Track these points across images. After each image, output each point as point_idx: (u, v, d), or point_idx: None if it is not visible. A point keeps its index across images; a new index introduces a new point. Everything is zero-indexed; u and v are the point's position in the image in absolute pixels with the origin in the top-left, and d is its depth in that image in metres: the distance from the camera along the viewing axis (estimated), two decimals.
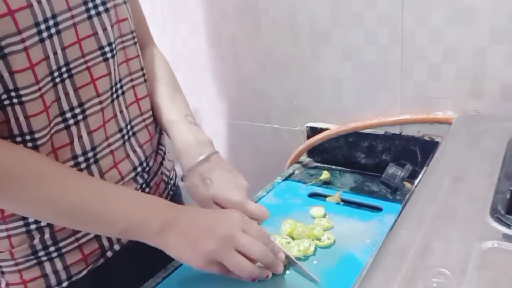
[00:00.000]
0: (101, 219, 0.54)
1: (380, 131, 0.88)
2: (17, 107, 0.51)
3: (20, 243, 0.57)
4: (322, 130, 0.94)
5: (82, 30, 0.55)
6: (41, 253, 0.58)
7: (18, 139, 0.53)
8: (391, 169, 0.81)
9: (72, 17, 0.54)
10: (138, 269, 0.67)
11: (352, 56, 0.86)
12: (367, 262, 0.42)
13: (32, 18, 0.49)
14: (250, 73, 1.02)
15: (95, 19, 0.56)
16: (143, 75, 0.68)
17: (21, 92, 0.51)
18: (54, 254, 0.59)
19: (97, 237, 0.62)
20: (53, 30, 0.51)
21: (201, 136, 0.67)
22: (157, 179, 0.71)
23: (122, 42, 0.63)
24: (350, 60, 0.87)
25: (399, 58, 0.81)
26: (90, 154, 0.59)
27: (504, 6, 0.70)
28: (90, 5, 0.56)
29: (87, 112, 0.57)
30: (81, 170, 0.58)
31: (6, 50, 0.48)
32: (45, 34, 0.51)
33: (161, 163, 0.73)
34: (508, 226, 0.43)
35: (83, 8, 0.55)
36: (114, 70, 0.60)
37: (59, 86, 0.54)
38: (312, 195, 0.84)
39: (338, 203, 0.80)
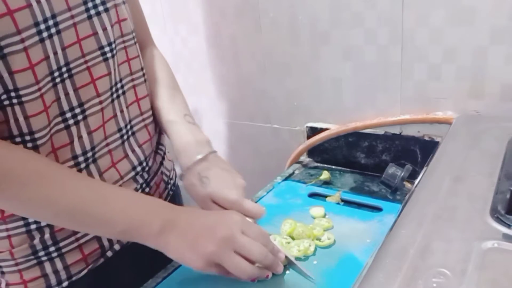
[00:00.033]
0: (100, 220, 0.54)
1: (380, 131, 0.88)
2: (17, 107, 0.51)
3: (20, 243, 0.57)
4: (322, 130, 0.94)
5: (82, 30, 0.55)
6: (41, 253, 0.58)
7: (18, 139, 0.53)
8: (391, 169, 0.81)
9: (72, 17, 0.53)
10: (138, 269, 0.67)
11: (352, 56, 0.86)
12: (367, 262, 0.42)
13: (31, 18, 0.49)
14: (250, 73, 1.02)
15: (95, 19, 0.56)
16: (143, 75, 0.68)
17: (21, 92, 0.50)
18: (54, 254, 0.59)
19: (97, 237, 0.62)
20: (53, 30, 0.51)
21: (200, 136, 0.67)
22: (157, 179, 0.71)
23: (123, 42, 0.63)
24: (350, 60, 0.87)
25: (399, 58, 0.81)
26: (89, 154, 0.59)
27: (504, 6, 0.70)
28: (90, 5, 0.56)
29: (87, 112, 0.57)
30: (80, 170, 0.58)
31: (6, 50, 0.48)
32: (45, 34, 0.51)
33: (161, 163, 0.73)
34: (508, 226, 0.43)
35: (82, 8, 0.55)
36: (114, 70, 0.60)
37: (59, 86, 0.54)
38: (312, 195, 0.84)
39: (338, 203, 0.80)
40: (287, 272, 0.62)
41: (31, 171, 0.51)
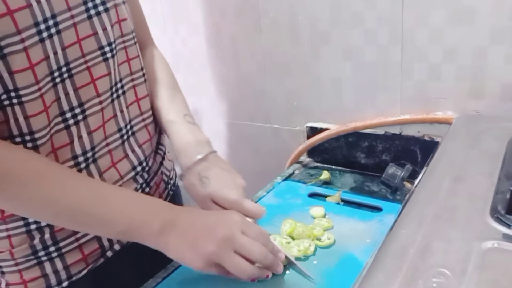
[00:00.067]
0: (100, 220, 0.54)
1: (380, 131, 0.88)
2: (17, 107, 0.51)
3: (20, 243, 0.57)
4: (322, 130, 0.94)
5: (82, 30, 0.55)
6: (41, 253, 0.58)
7: (18, 139, 0.53)
8: (391, 169, 0.81)
9: (72, 17, 0.53)
10: (138, 269, 0.67)
11: (352, 56, 0.86)
12: (367, 262, 0.42)
13: (31, 18, 0.49)
14: (250, 73, 1.02)
15: (95, 19, 0.56)
16: (143, 75, 0.68)
17: (21, 92, 0.50)
18: (54, 254, 0.59)
19: (97, 237, 0.62)
20: (53, 30, 0.51)
21: (200, 136, 0.67)
22: (157, 179, 0.71)
23: (123, 42, 0.63)
24: (350, 60, 0.87)
25: (399, 58, 0.81)
26: (89, 154, 0.59)
27: (504, 6, 0.70)
28: (90, 5, 0.56)
29: (87, 112, 0.57)
30: (80, 170, 0.58)
31: (6, 50, 0.48)
32: (45, 34, 0.51)
33: (161, 163, 0.73)
34: (508, 226, 0.43)
35: (82, 8, 0.55)
36: (114, 70, 0.60)
37: (59, 86, 0.54)
38: (312, 195, 0.84)
39: (338, 203, 0.80)
40: (287, 272, 0.62)
41: (31, 171, 0.51)
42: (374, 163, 0.90)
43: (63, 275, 0.60)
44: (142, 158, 0.66)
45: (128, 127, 0.64)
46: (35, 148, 0.54)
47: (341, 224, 0.72)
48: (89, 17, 0.56)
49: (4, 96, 0.50)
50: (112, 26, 0.59)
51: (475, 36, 0.73)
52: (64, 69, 0.54)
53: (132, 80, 0.65)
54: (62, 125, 0.56)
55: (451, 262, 0.39)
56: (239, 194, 0.63)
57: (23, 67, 0.50)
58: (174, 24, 1.10)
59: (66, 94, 0.55)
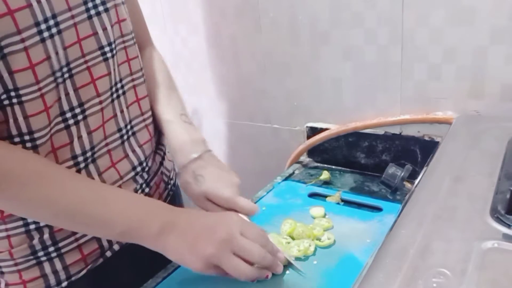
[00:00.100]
0: (100, 221, 0.54)
1: (380, 131, 0.87)
2: (16, 107, 0.51)
3: (19, 243, 0.57)
4: (322, 130, 0.94)
5: (82, 30, 0.55)
6: (41, 253, 0.58)
7: (16, 139, 0.53)
8: (391, 169, 0.81)
9: (73, 17, 0.53)
10: (138, 269, 0.67)
11: (352, 56, 0.86)
12: (367, 262, 0.42)
13: (32, 18, 0.49)
14: (250, 73, 1.02)
15: (95, 19, 0.56)
16: (143, 75, 0.68)
17: (21, 92, 0.50)
18: (54, 254, 0.59)
19: (97, 237, 0.62)
20: (54, 30, 0.51)
21: (195, 135, 0.68)
22: (157, 179, 0.71)
23: (123, 42, 0.63)
24: (350, 60, 0.87)
25: (399, 58, 0.81)
26: (88, 154, 0.59)
27: (504, 6, 0.70)
28: (90, 5, 0.56)
29: (87, 112, 0.57)
30: (79, 170, 0.58)
31: (6, 50, 0.48)
32: (46, 34, 0.51)
33: (161, 163, 0.73)
34: (508, 226, 0.43)
35: (83, 8, 0.55)
36: (114, 70, 0.60)
37: (61, 86, 0.54)
38: (312, 195, 0.84)
39: (338, 203, 0.80)
40: (287, 272, 0.62)
41: (30, 171, 0.51)
42: (374, 163, 0.90)
43: (62, 275, 0.60)
44: (142, 158, 0.66)
45: (128, 127, 0.64)
46: (35, 148, 0.54)
47: (341, 224, 0.72)
48: (89, 17, 0.56)
49: (3, 96, 0.50)
50: (112, 26, 0.59)
51: (475, 36, 0.73)
52: (65, 69, 0.54)
53: (132, 80, 0.65)
54: (62, 125, 0.56)
55: (451, 262, 0.39)
56: (233, 192, 0.64)
57: (23, 66, 0.50)
58: (174, 24, 1.10)
59: (67, 94, 0.55)
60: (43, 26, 0.50)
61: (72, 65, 0.54)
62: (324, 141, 0.94)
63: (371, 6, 0.80)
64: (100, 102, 0.59)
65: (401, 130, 0.86)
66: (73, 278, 0.60)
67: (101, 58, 0.58)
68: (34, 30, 0.49)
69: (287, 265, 0.63)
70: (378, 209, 0.77)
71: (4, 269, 0.59)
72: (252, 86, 1.03)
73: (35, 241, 0.57)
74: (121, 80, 0.62)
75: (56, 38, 0.52)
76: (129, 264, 0.66)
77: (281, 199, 0.83)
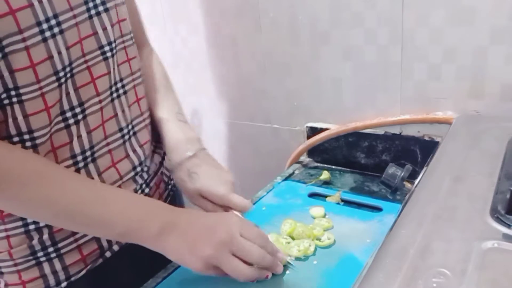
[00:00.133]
0: (99, 221, 0.54)
1: (380, 131, 0.87)
2: (16, 106, 0.51)
3: (19, 244, 0.57)
4: (322, 130, 0.94)
5: (83, 30, 0.55)
6: (40, 254, 0.58)
7: (16, 139, 0.53)
8: (391, 169, 0.81)
9: (74, 16, 0.54)
10: (138, 269, 0.67)
11: (352, 56, 0.86)
12: (367, 262, 0.42)
13: (33, 18, 0.49)
14: (250, 73, 1.02)
15: (95, 18, 0.57)
16: (141, 75, 0.68)
17: (21, 91, 0.50)
18: (53, 255, 0.59)
19: (96, 238, 0.62)
20: (56, 30, 0.51)
21: (190, 134, 0.69)
22: (157, 179, 0.71)
23: (123, 42, 0.63)
24: (350, 60, 0.87)
25: (399, 58, 0.81)
26: (88, 153, 0.59)
27: (504, 6, 0.70)
28: (91, 4, 0.56)
29: (87, 112, 0.57)
30: (79, 169, 0.58)
31: (7, 50, 0.48)
32: (47, 34, 0.51)
33: (161, 163, 0.73)
34: (508, 226, 0.43)
35: (84, 7, 0.55)
36: (114, 69, 0.60)
37: (62, 86, 0.54)
38: (312, 195, 0.84)
39: (338, 203, 0.80)
40: (287, 272, 0.62)
41: (30, 171, 0.51)
42: (374, 163, 0.90)
43: (61, 275, 0.60)
44: (142, 158, 0.66)
45: (130, 127, 0.64)
46: (34, 148, 0.54)
47: (341, 224, 0.72)
48: (90, 17, 0.56)
49: (3, 95, 0.50)
50: (112, 26, 0.59)
51: (475, 36, 0.73)
52: (67, 69, 0.54)
53: (133, 80, 0.65)
54: (62, 125, 0.56)
55: (451, 262, 0.39)
56: (227, 190, 0.65)
57: (24, 66, 0.50)
58: (174, 24, 1.10)
59: (67, 94, 0.55)
60: (44, 26, 0.50)
61: (73, 65, 0.55)
62: (324, 141, 0.94)
63: (371, 6, 0.80)
64: (100, 101, 0.59)
65: (401, 130, 0.85)
66: (72, 279, 0.60)
67: (101, 57, 0.58)
68: (36, 29, 0.49)
69: (287, 265, 0.63)
70: (378, 209, 0.77)
71: (3, 270, 0.59)
72: (252, 86, 1.03)
73: (35, 242, 0.57)
74: (121, 80, 0.62)
75: (59, 37, 0.52)
76: (129, 264, 0.66)
77: (281, 199, 0.83)
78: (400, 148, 0.86)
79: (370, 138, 0.89)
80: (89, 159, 0.59)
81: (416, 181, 0.55)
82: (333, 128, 0.92)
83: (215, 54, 1.06)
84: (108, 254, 0.63)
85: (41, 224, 0.57)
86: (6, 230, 0.57)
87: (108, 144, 0.61)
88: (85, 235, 0.60)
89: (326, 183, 0.88)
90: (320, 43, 0.89)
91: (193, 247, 0.55)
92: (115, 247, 0.64)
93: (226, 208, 0.66)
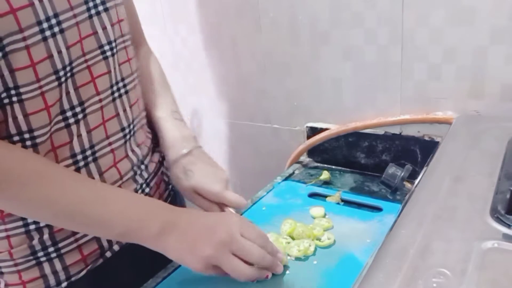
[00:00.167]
0: (99, 221, 0.54)
1: (380, 131, 0.87)
2: (16, 106, 0.51)
3: (19, 244, 0.57)
4: (322, 130, 0.94)
5: (83, 29, 0.55)
6: (40, 254, 0.58)
7: (16, 138, 0.53)
8: (391, 169, 0.81)
9: (75, 16, 0.54)
10: (138, 269, 0.67)
11: (352, 56, 0.86)
12: (367, 262, 0.42)
13: (34, 17, 0.49)
14: (250, 73, 1.02)
15: (95, 18, 0.57)
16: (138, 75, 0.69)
17: (21, 90, 0.51)
18: (53, 255, 0.59)
19: (97, 238, 0.62)
20: (56, 29, 0.51)
21: (186, 132, 0.70)
22: (157, 179, 0.71)
23: (124, 42, 0.63)
24: (350, 60, 0.87)
25: (399, 58, 0.81)
26: (88, 153, 0.59)
27: (504, 6, 0.70)
28: (91, 4, 0.56)
29: (87, 111, 0.58)
30: (79, 168, 0.58)
31: (8, 49, 0.48)
32: (48, 33, 0.51)
33: (161, 163, 0.73)
34: (508, 226, 0.43)
35: (84, 7, 0.55)
36: (114, 68, 0.60)
37: (62, 85, 0.54)
38: (312, 195, 0.84)
39: (338, 203, 0.80)
40: (287, 272, 0.62)
41: (30, 171, 0.51)
42: (374, 163, 0.90)
43: (62, 275, 0.60)
44: (140, 157, 0.66)
45: (131, 126, 0.65)
46: (34, 147, 0.54)
47: (341, 224, 0.72)
48: (90, 17, 0.56)
49: (4, 95, 0.50)
50: (112, 25, 0.59)
51: (475, 36, 0.73)
52: (68, 68, 0.54)
53: (133, 80, 0.66)
54: (62, 124, 0.56)
55: (451, 262, 0.39)
56: (222, 187, 0.66)
57: (24, 65, 0.50)
58: (174, 24, 1.10)
59: (67, 93, 0.55)
60: (45, 25, 0.50)
61: (73, 64, 0.55)
62: (324, 141, 0.94)
63: (371, 6, 0.80)
64: (100, 101, 0.59)
65: (401, 130, 0.85)
66: (73, 279, 0.60)
67: (100, 57, 0.58)
68: (36, 28, 0.50)
69: (287, 265, 0.63)
70: (378, 209, 0.77)
71: (3, 270, 0.59)
72: (252, 86, 1.03)
73: (35, 242, 0.57)
74: (123, 80, 0.63)
75: (59, 37, 0.52)
76: (129, 264, 0.66)
77: (281, 199, 0.83)
78: (400, 148, 0.86)
79: (370, 138, 0.89)
80: (90, 159, 0.59)
81: (416, 181, 0.55)
82: (333, 128, 0.92)
83: (215, 54, 1.06)
84: (108, 254, 0.63)
85: (42, 224, 0.57)
86: (6, 230, 0.57)
87: (110, 143, 0.61)
88: (85, 235, 0.60)
89: (326, 183, 0.88)
90: (320, 43, 0.89)
91: (193, 247, 0.55)
92: (116, 247, 0.64)
93: (221, 205, 0.67)
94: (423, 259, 0.40)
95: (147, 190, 0.67)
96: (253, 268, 0.57)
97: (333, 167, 0.95)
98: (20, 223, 0.56)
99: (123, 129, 0.63)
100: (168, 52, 1.13)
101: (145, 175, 0.67)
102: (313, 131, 0.95)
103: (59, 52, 0.52)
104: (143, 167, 0.67)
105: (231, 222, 0.58)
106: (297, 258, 0.65)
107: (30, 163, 0.52)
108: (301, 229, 0.69)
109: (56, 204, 0.52)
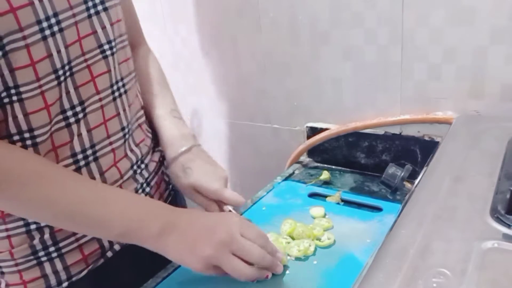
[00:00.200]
0: (100, 222, 0.54)
1: (380, 131, 0.87)
2: (16, 105, 0.51)
3: (20, 243, 0.57)
4: (322, 130, 0.94)
5: (82, 29, 0.55)
6: (41, 253, 0.58)
7: (16, 137, 0.53)
8: (391, 169, 0.81)
9: (74, 15, 0.54)
10: (138, 269, 0.67)
11: (352, 56, 0.86)
12: (367, 262, 0.42)
13: (33, 16, 0.49)
14: (250, 73, 1.02)
15: (94, 18, 0.57)
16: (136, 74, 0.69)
17: (21, 89, 0.51)
18: (54, 255, 0.59)
19: (97, 238, 0.62)
20: (55, 28, 0.52)
21: (185, 130, 0.70)
22: (158, 179, 0.71)
23: (122, 41, 0.63)
24: (350, 60, 0.87)
25: (399, 58, 0.81)
26: (89, 152, 0.59)
27: (504, 6, 0.70)
28: (90, 4, 0.56)
29: (87, 110, 0.58)
30: (80, 168, 0.58)
31: (8, 48, 0.49)
32: (47, 32, 0.51)
33: (162, 162, 0.73)
34: (508, 226, 0.43)
35: (83, 7, 0.55)
36: (114, 68, 0.60)
37: (62, 85, 0.54)
38: (312, 195, 0.84)
39: (338, 203, 0.80)
40: (287, 272, 0.62)
41: (30, 171, 0.51)
42: (374, 163, 0.90)
43: (63, 275, 0.60)
44: (139, 156, 0.66)
45: (129, 126, 0.65)
46: (34, 146, 0.54)
47: (341, 224, 0.72)
48: (89, 16, 0.56)
49: (4, 94, 0.51)
50: (112, 25, 0.59)
51: (475, 36, 0.73)
52: (66, 68, 0.54)
53: (132, 79, 0.66)
54: (63, 123, 0.56)
55: (451, 262, 0.39)
56: (221, 185, 0.66)
57: (24, 64, 0.50)
58: (174, 24, 1.10)
59: (67, 93, 0.55)
60: (44, 24, 0.50)
61: (73, 64, 0.55)
62: (324, 141, 0.94)
63: (371, 6, 0.80)
64: (100, 100, 0.59)
65: (401, 130, 0.86)
66: (73, 279, 0.60)
67: (100, 56, 0.58)
68: (36, 28, 0.50)
69: (287, 265, 0.63)
70: (378, 209, 0.77)
71: (4, 269, 0.59)
72: (252, 86, 1.03)
73: (36, 241, 0.57)
74: (122, 79, 0.63)
75: (58, 36, 0.52)
76: (130, 264, 0.66)
77: (281, 199, 0.83)
78: (400, 148, 0.86)
79: (370, 138, 0.89)
80: (90, 158, 0.59)
81: (416, 181, 0.55)
82: (333, 128, 0.92)
83: (215, 54, 1.06)
84: (109, 254, 0.63)
85: (42, 224, 0.57)
86: (7, 230, 0.57)
87: (111, 143, 0.61)
88: (86, 235, 0.60)
89: (326, 183, 0.88)
90: (320, 43, 0.89)
91: (193, 247, 0.55)
92: (116, 247, 0.64)
93: (220, 203, 0.67)
94: (423, 259, 0.40)
95: (147, 189, 0.67)
96: (253, 268, 0.57)
97: (333, 167, 0.95)
98: (21, 222, 0.57)
99: (123, 129, 0.63)
100: (168, 52, 1.13)
101: (146, 174, 0.67)
102: (313, 131, 0.95)
103: (58, 51, 0.52)
104: (143, 166, 0.67)
105: (231, 222, 0.58)
106: (297, 258, 0.65)
107: (30, 163, 0.52)
108: (301, 229, 0.69)
109: (56, 204, 0.52)
